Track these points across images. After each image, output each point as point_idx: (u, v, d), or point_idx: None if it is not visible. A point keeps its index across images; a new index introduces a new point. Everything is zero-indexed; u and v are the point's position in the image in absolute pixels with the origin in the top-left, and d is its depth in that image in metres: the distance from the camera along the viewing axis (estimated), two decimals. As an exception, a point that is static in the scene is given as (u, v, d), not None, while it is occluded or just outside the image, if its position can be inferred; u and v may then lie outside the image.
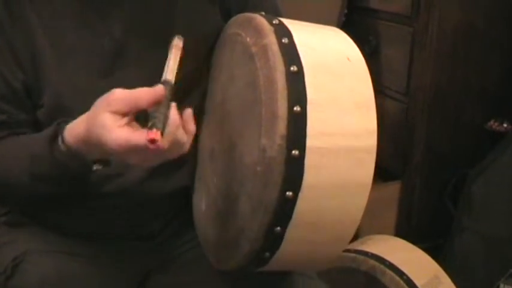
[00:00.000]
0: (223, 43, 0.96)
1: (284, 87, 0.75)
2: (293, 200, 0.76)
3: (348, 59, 0.82)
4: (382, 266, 1.38)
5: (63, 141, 0.84)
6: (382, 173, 1.76)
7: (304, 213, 0.77)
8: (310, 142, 0.75)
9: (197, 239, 1.02)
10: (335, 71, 0.80)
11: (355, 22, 1.78)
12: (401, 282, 1.36)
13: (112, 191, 0.97)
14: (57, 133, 0.85)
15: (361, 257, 1.42)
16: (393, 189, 1.72)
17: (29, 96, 0.94)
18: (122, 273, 1.02)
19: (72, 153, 0.84)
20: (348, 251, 1.47)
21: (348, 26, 1.75)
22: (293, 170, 0.75)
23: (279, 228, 0.77)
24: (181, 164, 1.02)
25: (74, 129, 0.84)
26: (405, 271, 1.38)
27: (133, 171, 0.97)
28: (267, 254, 0.81)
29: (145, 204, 1.02)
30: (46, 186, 0.89)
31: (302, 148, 0.75)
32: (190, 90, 1.00)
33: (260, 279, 0.97)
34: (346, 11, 1.76)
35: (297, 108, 0.75)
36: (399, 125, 1.68)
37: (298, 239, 0.80)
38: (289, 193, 0.75)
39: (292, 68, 0.76)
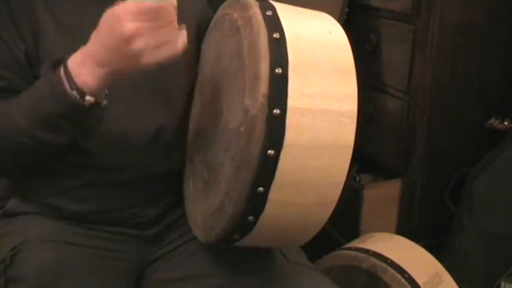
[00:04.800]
0: (213, 26, 1.01)
1: (266, 50, 0.79)
2: (275, 159, 0.78)
3: (330, 32, 0.87)
4: (383, 264, 1.39)
5: (65, 67, 0.85)
6: (383, 171, 1.77)
7: (287, 174, 0.79)
8: (291, 102, 0.78)
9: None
10: (316, 40, 0.85)
11: (356, 20, 1.78)
12: (403, 280, 1.36)
13: (110, 165, 0.99)
14: (60, 60, 0.86)
15: (363, 255, 1.42)
16: (394, 187, 1.72)
17: (30, 67, 0.96)
18: (121, 264, 1.04)
19: (70, 78, 0.84)
20: (349, 249, 1.47)
21: (349, 24, 1.75)
22: (274, 128, 0.78)
23: (261, 188, 0.79)
24: (177, 144, 1.05)
25: (79, 50, 0.85)
26: (406, 269, 1.38)
27: (132, 142, 0.99)
28: (251, 217, 0.82)
29: (141, 185, 1.03)
30: (45, 132, 0.89)
31: (283, 107, 0.78)
32: (180, 74, 1.02)
33: (259, 272, 0.98)
34: (347, 10, 1.76)
35: (278, 70, 0.78)
36: (400, 123, 1.68)
37: (282, 201, 0.81)
38: (271, 151, 0.78)
39: (274, 35, 0.81)
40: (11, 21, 0.95)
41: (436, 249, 1.55)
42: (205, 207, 0.92)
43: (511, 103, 1.70)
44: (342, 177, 0.83)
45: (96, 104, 0.86)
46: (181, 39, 0.83)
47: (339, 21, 1.71)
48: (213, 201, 0.88)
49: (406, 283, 1.35)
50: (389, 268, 1.37)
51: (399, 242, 1.55)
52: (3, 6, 0.95)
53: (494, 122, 1.68)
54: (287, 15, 0.84)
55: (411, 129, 1.66)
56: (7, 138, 0.92)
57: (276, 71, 0.78)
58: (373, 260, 1.40)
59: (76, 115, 0.87)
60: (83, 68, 0.84)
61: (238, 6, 0.88)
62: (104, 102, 0.88)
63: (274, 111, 0.77)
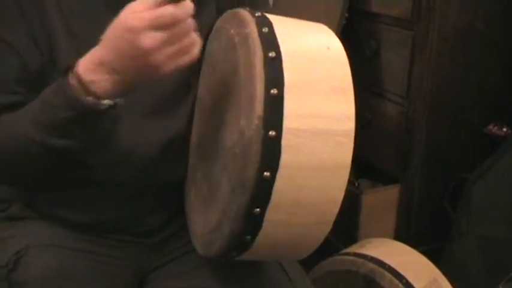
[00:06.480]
0: (213, 36, 1.00)
1: (261, 70, 0.78)
2: (271, 181, 0.77)
3: (328, 48, 0.85)
4: (381, 269, 1.39)
5: (75, 74, 0.83)
6: (381, 176, 1.77)
7: (283, 194, 0.79)
8: (287, 123, 0.77)
9: None
10: (313, 57, 0.83)
11: (356, 26, 1.79)
12: (401, 285, 1.36)
13: (116, 180, 0.99)
14: (69, 68, 0.84)
15: (360, 260, 1.42)
16: (393, 192, 1.72)
17: (44, 80, 0.94)
18: (123, 270, 1.04)
19: (83, 84, 0.83)
20: (347, 254, 1.47)
21: (349, 29, 1.76)
22: (270, 150, 0.77)
23: (258, 209, 0.79)
24: (183, 155, 1.04)
25: (88, 55, 0.84)
26: (404, 274, 1.38)
27: (139, 157, 0.98)
28: (248, 237, 0.82)
29: (145, 195, 1.03)
30: (57, 139, 0.87)
31: (279, 129, 0.77)
32: (190, 84, 1.03)
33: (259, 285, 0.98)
34: (347, 15, 1.76)
35: (274, 91, 0.77)
36: (399, 128, 1.68)
37: (279, 222, 0.81)
38: (266, 173, 0.77)
39: (270, 54, 0.79)
40: (28, 33, 0.94)
41: (434, 255, 1.55)
42: (204, 222, 0.92)
43: (510, 109, 1.70)
44: (339, 197, 0.82)
45: (114, 106, 0.85)
46: (197, 43, 0.82)
47: (338, 26, 1.73)
48: (211, 217, 0.88)
49: (403, 288, 1.35)
50: (387, 273, 1.37)
51: (397, 247, 1.55)
52: (19, 17, 0.93)
53: (493, 128, 1.69)
54: (284, 30, 0.83)
55: (410, 135, 1.66)
56: (17, 149, 0.90)
57: (272, 91, 0.77)
58: (371, 265, 1.40)
59: (91, 119, 0.86)
60: (97, 74, 0.82)
61: (235, 22, 0.87)
62: (121, 100, 0.86)
63: (270, 133, 0.76)
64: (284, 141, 0.77)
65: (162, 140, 1.00)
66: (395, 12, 1.66)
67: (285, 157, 0.77)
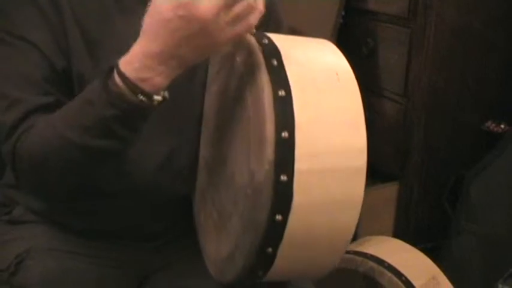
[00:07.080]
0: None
1: (272, 112, 0.75)
2: (283, 223, 0.76)
3: (337, 74, 0.82)
4: (380, 267, 1.39)
5: (118, 73, 0.80)
6: (380, 174, 1.77)
7: (295, 234, 0.77)
8: (298, 165, 0.75)
9: (197, 245, 1.02)
10: (323, 89, 0.80)
11: (353, 24, 1.79)
12: (400, 283, 1.36)
13: (120, 190, 0.98)
14: (112, 68, 0.81)
15: (360, 258, 1.42)
16: (391, 190, 1.72)
17: (68, 83, 0.94)
18: (123, 273, 1.04)
19: (128, 83, 0.79)
20: (347, 252, 1.47)
21: (346, 27, 1.76)
22: (282, 194, 0.75)
23: (270, 249, 0.78)
24: (189, 169, 1.04)
25: (130, 53, 0.80)
26: (403, 272, 1.38)
27: (143, 167, 0.98)
28: (261, 272, 0.81)
29: (150, 205, 1.03)
30: (98, 139, 0.83)
31: (290, 172, 0.74)
32: (195, 99, 1.02)
33: None
34: (343, 13, 1.76)
35: (284, 134, 0.74)
36: (397, 126, 1.68)
37: (291, 257, 0.80)
38: (278, 216, 0.75)
39: (280, 93, 0.76)
40: (52, 37, 0.93)
41: (433, 252, 1.55)
42: (217, 249, 0.91)
43: (508, 106, 1.70)
44: (352, 228, 0.81)
45: (163, 100, 0.82)
46: (254, 10, 0.78)
47: (335, 24, 1.73)
48: (223, 247, 0.87)
49: (403, 286, 1.35)
50: (386, 271, 1.37)
51: (396, 245, 1.55)
52: (43, 21, 0.93)
53: (490, 125, 1.69)
54: (292, 60, 0.79)
55: (408, 132, 1.66)
56: (55, 154, 0.87)
57: (283, 135, 0.74)
58: (370, 263, 1.40)
59: (138, 116, 0.83)
60: (148, 71, 0.79)
61: (241, 48, 0.84)
62: (167, 94, 0.83)
63: (282, 177, 0.74)
64: (296, 184, 0.75)
65: (167, 148, 1.00)
66: (392, 10, 1.66)
67: (297, 199, 0.75)
